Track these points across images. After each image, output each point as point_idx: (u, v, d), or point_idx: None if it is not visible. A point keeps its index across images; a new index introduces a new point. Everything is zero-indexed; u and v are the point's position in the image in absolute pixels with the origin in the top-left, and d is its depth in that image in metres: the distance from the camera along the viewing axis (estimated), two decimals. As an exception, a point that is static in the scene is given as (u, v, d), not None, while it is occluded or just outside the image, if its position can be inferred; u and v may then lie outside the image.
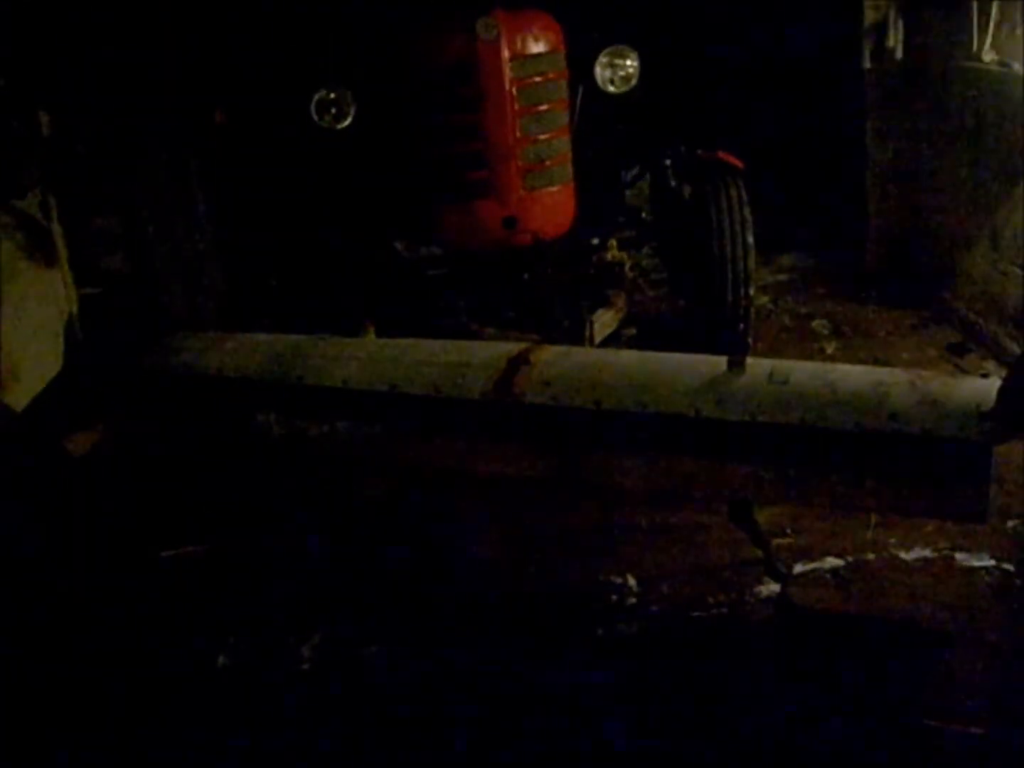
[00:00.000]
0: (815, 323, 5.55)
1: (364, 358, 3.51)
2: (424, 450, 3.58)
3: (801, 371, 3.13)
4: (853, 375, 3.09)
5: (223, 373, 3.65)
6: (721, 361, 3.15)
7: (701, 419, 3.09)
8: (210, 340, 3.85)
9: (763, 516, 3.73)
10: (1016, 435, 2.89)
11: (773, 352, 4.98)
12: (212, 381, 3.69)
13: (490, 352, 3.45)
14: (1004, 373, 2.98)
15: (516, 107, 4.18)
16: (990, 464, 2.94)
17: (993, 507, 3.64)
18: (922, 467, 2.99)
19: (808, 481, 3.14)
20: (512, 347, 3.47)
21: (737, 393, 3.06)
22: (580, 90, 4.47)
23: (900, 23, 5.51)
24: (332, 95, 4.35)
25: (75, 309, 4.58)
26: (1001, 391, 2.83)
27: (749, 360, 3.13)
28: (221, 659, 3.28)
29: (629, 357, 3.45)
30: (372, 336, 3.67)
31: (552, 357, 3.39)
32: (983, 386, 2.94)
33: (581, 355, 3.53)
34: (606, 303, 4.43)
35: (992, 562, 3.41)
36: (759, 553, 3.51)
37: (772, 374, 3.09)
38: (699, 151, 4.70)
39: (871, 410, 2.92)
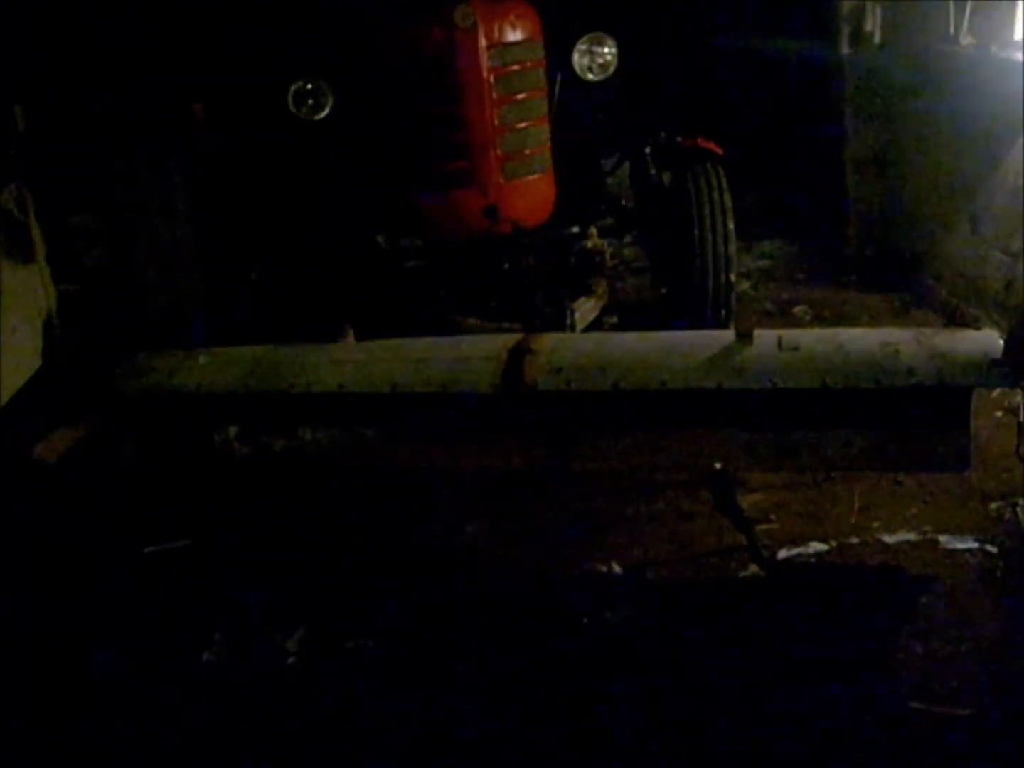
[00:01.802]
0: (797, 309, 5.56)
1: (362, 360, 3.44)
2: (421, 450, 3.56)
3: (807, 337, 3.23)
4: (859, 337, 3.19)
5: (202, 390, 3.48)
6: (722, 335, 3.23)
7: (698, 391, 3.13)
8: (180, 356, 3.62)
9: (747, 502, 3.75)
10: None
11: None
12: (190, 399, 3.52)
13: (487, 345, 3.43)
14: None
15: (494, 96, 4.16)
16: (970, 411, 3.10)
17: (977, 490, 3.68)
18: (910, 420, 3.14)
19: (799, 447, 3.25)
20: (508, 338, 3.46)
21: (755, 363, 3.11)
22: (558, 78, 4.46)
23: (878, 8, 5.52)
24: (309, 86, 4.32)
25: (54, 306, 4.55)
26: (1011, 336, 2.97)
27: (755, 331, 3.20)
28: (206, 655, 3.27)
29: (632, 338, 3.46)
30: (351, 339, 3.63)
31: (554, 344, 3.38)
32: (982, 337, 3.10)
33: (583, 340, 3.54)
34: (587, 291, 4.41)
35: (976, 544, 3.43)
36: (743, 539, 3.52)
37: (781, 342, 3.15)
38: (678, 138, 4.69)
39: (888, 367, 3.03)
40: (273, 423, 3.61)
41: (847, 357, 3.07)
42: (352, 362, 3.44)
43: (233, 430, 3.63)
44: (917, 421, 3.16)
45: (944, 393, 3.04)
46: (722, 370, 3.12)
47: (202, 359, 3.56)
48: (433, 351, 3.43)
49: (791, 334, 3.24)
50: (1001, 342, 3.01)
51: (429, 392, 3.31)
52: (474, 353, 3.38)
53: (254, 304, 4.62)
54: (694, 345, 3.25)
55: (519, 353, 3.30)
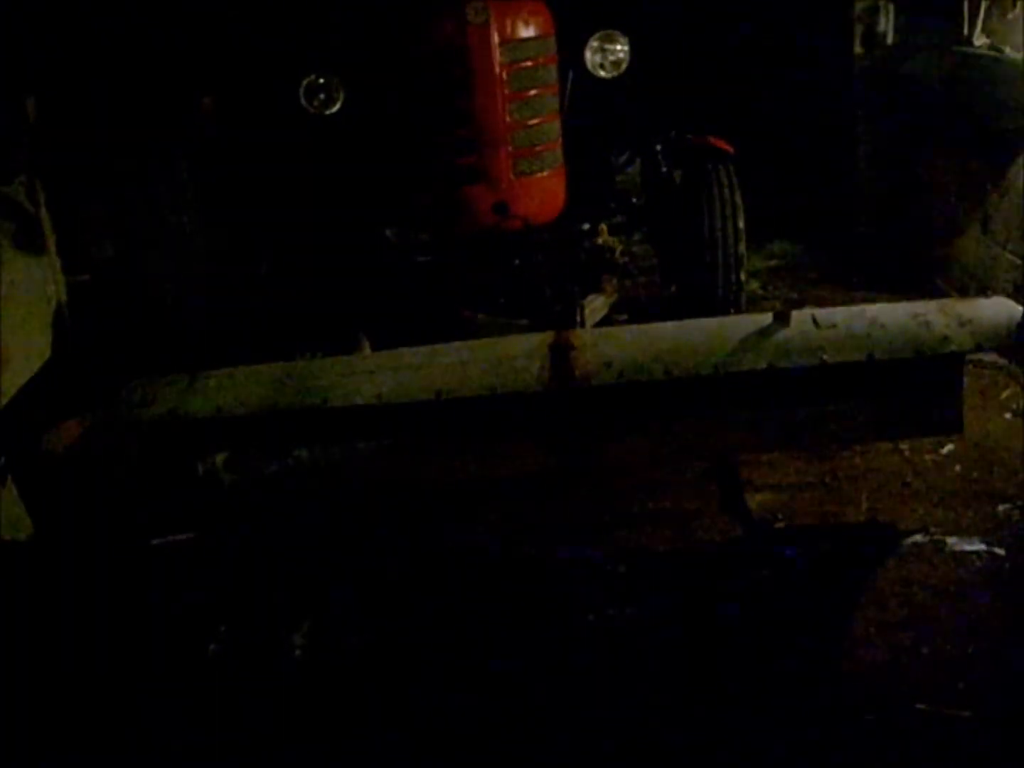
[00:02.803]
0: (806, 308, 5.54)
1: (397, 368, 3.30)
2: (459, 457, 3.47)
3: (839, 315, 3.28)
4: (888, 311, 3.28)
5: (224, 412, 3.26)
6: (759, 318, 3.27)
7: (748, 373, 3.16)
8: (187, 380, 3.39)
9: (755, 501, 3.75)
10: None
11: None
12: (211, 424, 3.29)
13: (524, 344, 3.36)
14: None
15: (506, 92, 4.15)
16: (963, 376, 3.31)
17: (984, 492, 3.68)
18: (909, 388, 3.28)
19: (804, 423, 3.35)
20: (542, 336, 3.40)
21: (800, 342, 3.17)
22: (570, 75, 4.45)
23: (891, 7, 5.51)
24: (321, 80, 4.31)
25: (64, 297, 4.56)
26: None
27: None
28: (212, 647, 3.28)
29: (670, 327, 3.45)
30: (368, 350, 3.59)
31: (595, 338, 3.36)
32: (997, 303, 3.25)
33: (623, 332, 3.47)
34: (597, 288, 4.40)
35: (983, 546, 3.42)
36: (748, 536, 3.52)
37: (817, 321, 3.22)
38: (690, 136, 4.68)
39: (925, 337, 3.13)
40: (301, 441, 3.44)
41: (885, 330, 3.16)
42: (388, 370, 3.30)
43: (255, 451, 3.47)
44: (917, 389, 3.29)
45: (941, 360, 3.18)
46: (770, 350, 3.16)
47: (212, 382, 3.36)
48: (470, 354, 3.33)
49: (823, 313, 3.29)
50: (1018, 306, 3.18)
51: (473, 396, 3.19)
52: (513, 353, 3.30)
53: (263, 297, 4.61)
54: (735, 329, 3.27)
55: (561, 350, 3.25)
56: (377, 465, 3.46)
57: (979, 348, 3.16)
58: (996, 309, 3.20)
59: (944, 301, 3.33)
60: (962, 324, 3.13)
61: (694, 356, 3.18)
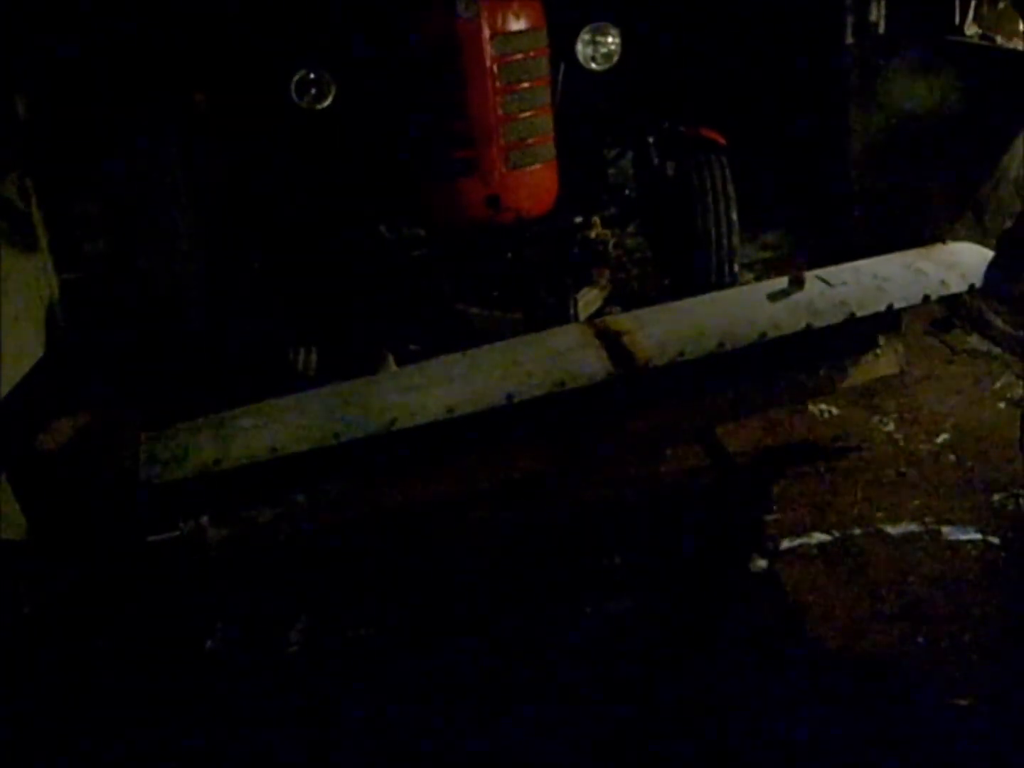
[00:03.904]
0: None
1: (454, 376, 3.14)
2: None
3: (841, 274, 3.41)
4: (880, 264, 3.45)
5: (280, 452, 2.93)
6: (774, 284, 3.41)
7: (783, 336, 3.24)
8: (212, 424, 3.05)
9: (749, 491, 3.76)
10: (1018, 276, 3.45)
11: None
12: (257, 468, 2.94)
13: (568, 338, 3.31)
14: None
15: (497, 85, 4.14)
16: (902, 324, 3.69)
17: (979, 481, 3.68)
18: (864, 335, 3.54)
19: (778, 381, 3.55)
20: (578, 328, 3.39)
21: (827, 301, 3.26)
22: (562, 68, 4.44)
23: (882, -3, 5.49)
24: (312, 75, 4.30)
25: (56, 294, 4.55)
26: (1001, 241, 3.49)
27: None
28: (209, 643, 3.28)
29: (698, 301, 3.53)
30: (393, 365, 3.54)
31: (634, 323, 3.33)
32: (967, 247, 3.53)
33: (659, 312, 3.49)
34: (590, 281, 4.40)
35: (978, 536, 3.43)
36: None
37: (827, 281, 3.34)
38: (682, 128, 4.68)
39: (928, 284, 3.30)
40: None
41: (892, 282, 3.29)
42: (444, 381, 3.12)
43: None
44: (864, 340, 3.58)
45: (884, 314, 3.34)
46: (804, 311, 3.24)
47: (244, 421, 3.03)
48: (517, 354, 3.22)
49: (826, 273, 3.39)
50: (984, 249, 3.44)
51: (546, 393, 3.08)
52: (563, 347, 3.23)
53: (255, 293, 4.60)
54: (760, 297, 3.35)
55: (610, 337, 3.23)
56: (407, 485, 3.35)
57: (972, 289, 3.30)
58: (970, 252, 3.39)
59: (918, 251, 3.49)
60: (949, 268, 3.30)
61: (739, 326, 3.22)
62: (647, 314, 3.47)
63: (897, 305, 3.25)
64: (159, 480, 2.86)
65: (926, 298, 3.27)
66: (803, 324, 3.21)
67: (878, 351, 3.70)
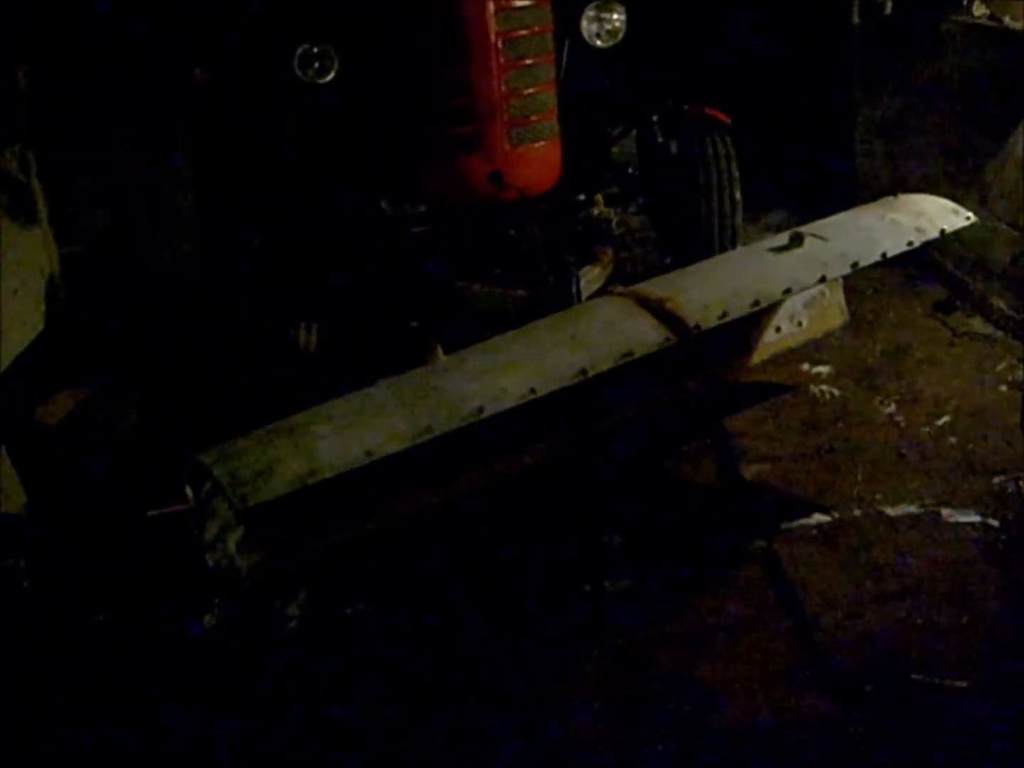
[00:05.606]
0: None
1: (517, 358, 3.02)
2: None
3: (827, 230, 3.49)
4: (856, 218, 3.61)
5: (375, 455, 2.71)
6: (775, 240, 3.47)
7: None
8: (283, 435, 2.76)
9: (750, 472, 3.76)
10: None
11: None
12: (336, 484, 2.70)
13: (609, 310, 3.26)
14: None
15: (502, 61, 4.11)
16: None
17: (979, 463, 3.68)
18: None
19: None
20: (615, 300, 3.34)
21: (832, 254, 3.33)
22: (566, 44, 4.41)
23: (889, -23, 5.46)
24: (315, 49, 4.27)
25: (56, 268, 4.54)
26: None
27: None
28: (207, 619, 3.28)
29: (717, 263, 3.63)
30: (441, 355, 3.50)
31: (666, 290, 3.29)
32: (926, 198, 3.66)
33: (677, 279, 3.47)
34: (593, 259, 4.38)
35: (978, 518, 3.43)
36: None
37: (821, 236, 3.42)
38: (686, 106, 4.66)
39: (908, 231, 3.43)
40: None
41: (876, 232, 3.42)
42: (515, 363, 3.00)
43: None
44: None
45: None
46: (817, 265, 3.29)
47: (317, 427, 2.77)
48: (572, 328, 3.15)
49: (813, 228, 3.49)
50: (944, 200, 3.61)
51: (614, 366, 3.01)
52: (613, 317, 3.19)
53: (256, 269, 4.59)
54: (768, 255, 3.40)
55: (656, 305, 3.19)
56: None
57: (942, 233, 3.44)
58: (925, 201, 3.61)
59: (878, 203, 3.65)
60: (920, 216, 3.46)
61: (766, 283, 3.26)
62: (673, 280, 3.46)
63: (890, 253, 3.34)
64: (252, 502, 2.56)
65: (910, 243, 3.38)
66: (819, 275, 3.28)
67: (824, 304, 3.93)
